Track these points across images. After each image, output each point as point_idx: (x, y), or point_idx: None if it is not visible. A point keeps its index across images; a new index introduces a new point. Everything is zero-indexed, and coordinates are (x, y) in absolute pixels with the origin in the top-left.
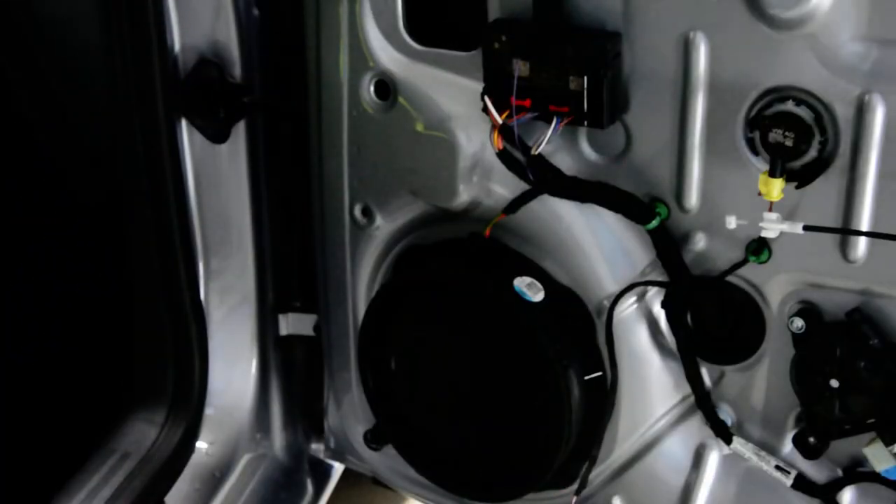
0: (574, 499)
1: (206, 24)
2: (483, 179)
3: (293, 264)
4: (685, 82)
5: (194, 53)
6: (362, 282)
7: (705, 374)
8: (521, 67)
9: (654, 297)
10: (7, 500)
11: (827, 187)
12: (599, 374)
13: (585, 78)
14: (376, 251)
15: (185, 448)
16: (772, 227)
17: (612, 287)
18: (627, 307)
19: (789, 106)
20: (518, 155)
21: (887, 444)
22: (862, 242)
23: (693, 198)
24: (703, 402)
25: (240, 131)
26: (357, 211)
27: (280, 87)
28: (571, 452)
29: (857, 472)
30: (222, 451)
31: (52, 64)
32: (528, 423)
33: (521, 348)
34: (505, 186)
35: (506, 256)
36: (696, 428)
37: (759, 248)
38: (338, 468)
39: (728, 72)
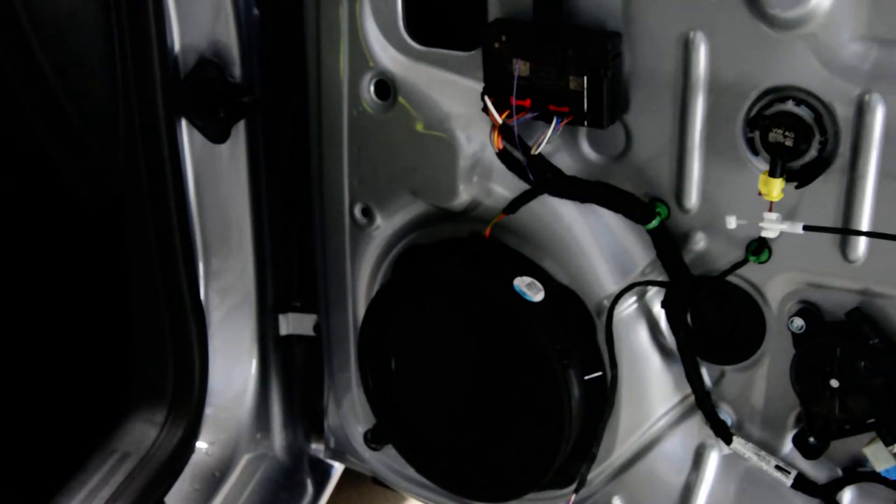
0: (572, 497)
1: (206, 24)
2: (483, 179)
3: (293, 264)
4: (685, 82)
5: (194, 53)
6: (362, 282)
7: (705, 374)
8: (521, 67)
9: (654, 297)
10: (7, 500)
11: (827, 187)
12: (599, 373)
13: (585, 78)
14: (376, 251)
15: (185, 448)
16: (772, 227)
17: (612, 287)
18: (627, 307)
19: (789, 106)
20: (518, 155)
21: (887, 444)
22: (862, 242)
23: (693, 198)
24: (703, 402)
25: (240, 131)
26: (357, 211)
27: (280, 88)
28: (571, 452)
29: (857, 472)
30: (222, 451)
31: (52, 64)
32: (529, 422)
33: (521, 348)
34: (505, 186)
35: (506, 256)
36: (696, 428)
37: (759, 248)
38: (338, 468)
39: (728, 72)
